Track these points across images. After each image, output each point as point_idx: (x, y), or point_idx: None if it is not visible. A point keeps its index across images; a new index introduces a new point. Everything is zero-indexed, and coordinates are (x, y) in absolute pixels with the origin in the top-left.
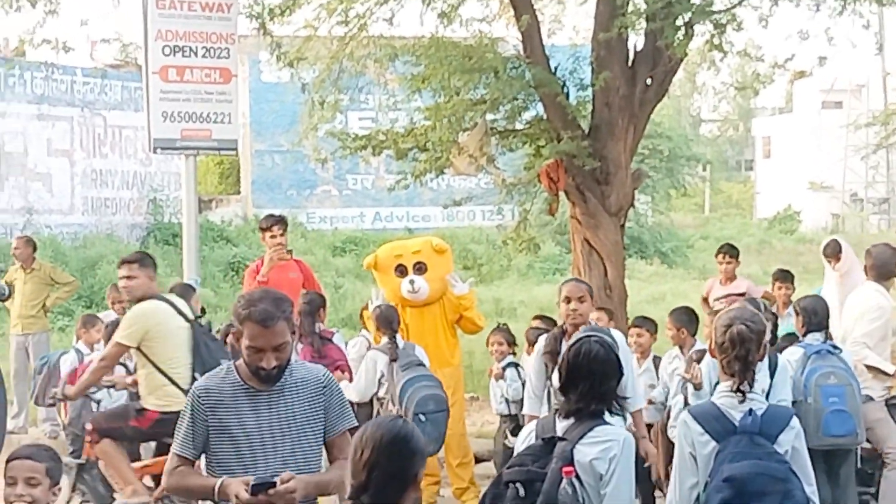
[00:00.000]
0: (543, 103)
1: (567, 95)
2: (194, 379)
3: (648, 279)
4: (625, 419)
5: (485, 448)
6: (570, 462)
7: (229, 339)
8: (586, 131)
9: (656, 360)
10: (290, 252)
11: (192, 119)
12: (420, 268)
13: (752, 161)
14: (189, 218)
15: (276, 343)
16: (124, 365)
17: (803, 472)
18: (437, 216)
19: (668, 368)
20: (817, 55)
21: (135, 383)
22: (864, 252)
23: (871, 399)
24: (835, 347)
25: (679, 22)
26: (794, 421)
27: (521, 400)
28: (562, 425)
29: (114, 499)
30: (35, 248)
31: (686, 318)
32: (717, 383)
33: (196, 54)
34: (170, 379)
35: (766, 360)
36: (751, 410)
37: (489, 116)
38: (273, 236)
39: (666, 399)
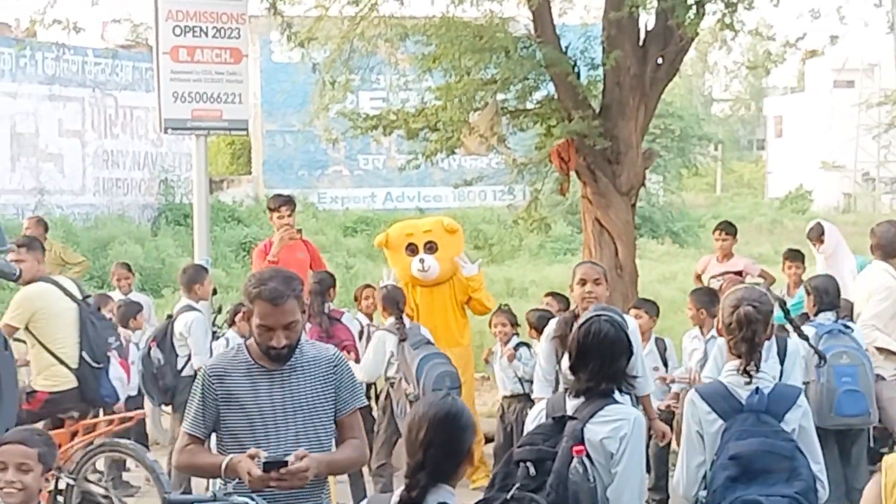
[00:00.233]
0: (554, 83)
1: (578, 75)
2: (82, 358)
3: (660, 259)
4: (633, 400)
5: (494, 428)
6: (581, 441)
7: (237, 318)
8: (597, 111)
9: (659, 343)
10: (299, 232)
11: (202, 99)
12: (431, 247)
13: (764, 140)
14: (200, 198)
15: (286, 322)
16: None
17: (810, 450)
18: (448, 196)
19: (689, 348)
20: (829, 34)
21: (27, 363)
22: (869, 231)
23: (883, 379)
24: (846, 327)
25: (690, 1)
26: (802, 399)
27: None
28: (572, 404)
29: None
30: (46, 229)
31: (706, 299)
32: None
33: (206, 34)
34: (58, 359)
35: (773, 345)
36: (757, 389)
37: (500, 96)
38: (281, 217)
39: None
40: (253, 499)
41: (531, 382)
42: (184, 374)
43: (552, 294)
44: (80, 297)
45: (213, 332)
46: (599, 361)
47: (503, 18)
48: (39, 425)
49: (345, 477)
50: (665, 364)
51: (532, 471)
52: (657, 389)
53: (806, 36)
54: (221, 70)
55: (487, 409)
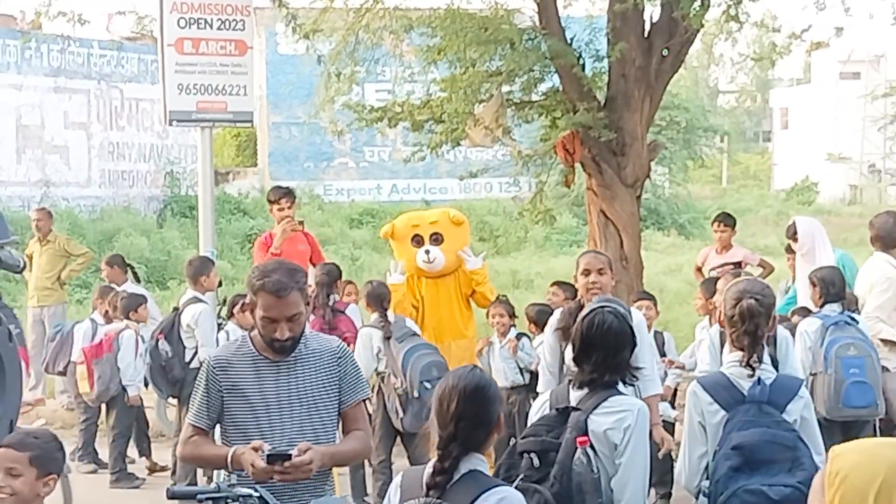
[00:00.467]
0: (559, 75)
1: (583, 67)
2: None
3: (665, 251)
4: (637, 393)
5: None
6: (585, 432)
7: (235, 309)
8: (602, 103)
9: (657, 337)
10: (301, 223)
11: (207, 91)
12: (436, 238)
13: (770, 132)
14: (205, 190)
15: (289, 314)
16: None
17: (812, 441)
18: (453, 188)
19: (697, 338)
20: (834, 26)
21: None
22: (868, 223)
23: (888, 370)
24: (852, 318)
25: None
26: (803, 390)
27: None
28: (575, 395)
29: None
30: (51, 221)
31: (715, 290)
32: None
33: (211, 26)
34: None
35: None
36: (759, 380)
37: (505, 88)
38: (281, 209)
39: (695, 368)
40: (257, 490)
41: (532, 373)
42: (192, 366)
43: (558, 283)
44: None
45: (219, 324)
46: (603, 353)
47: (508, 10)
48: None
49: (345, 469)
50: (663, 357)
51: (536, 462)
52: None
53: (811, 27)
54: (226, 62)
55: None
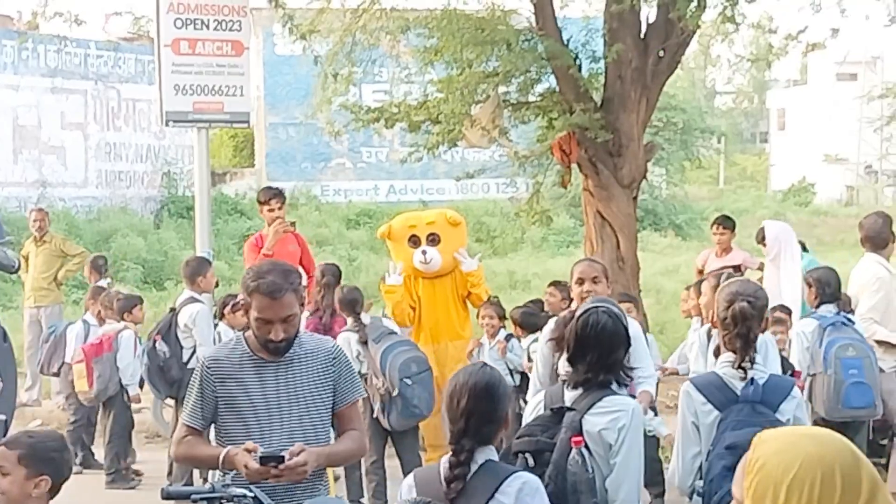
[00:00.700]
0: (556, 76)
1: (579, 68)
2: None
3: (662, 251)
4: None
5: None
6: (579, 432)
7: (226, 310)
8: (599, 104)
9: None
10: (292, 225)
11: (204, 92)
12: (433, 239)
13: (767, 133)
14: (201, 191)
15: (284, 315)
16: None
17: None
18: (451, 189)
19: (690, 339)
20: (830, 27)
21: None
22: (858, 225)
23: (882, 371)
24: (849, 319)
25: None
26: (796, 391)
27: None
28: (570, 395)
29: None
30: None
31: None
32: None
33: (208, 27)
34: None
35: None
36: (752, 380)
37: (502, 89)
38: (272, 210)
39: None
40: (251, 490)
41: (522, 374)
42: (189, 366)
43: (555, 283)
44: None
45: (215, 325)
46: (597, 353)
47: (505, 11)
48: None
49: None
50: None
51: (531, 462)
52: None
53: (808, 29)
54: (223, 63)
55: None
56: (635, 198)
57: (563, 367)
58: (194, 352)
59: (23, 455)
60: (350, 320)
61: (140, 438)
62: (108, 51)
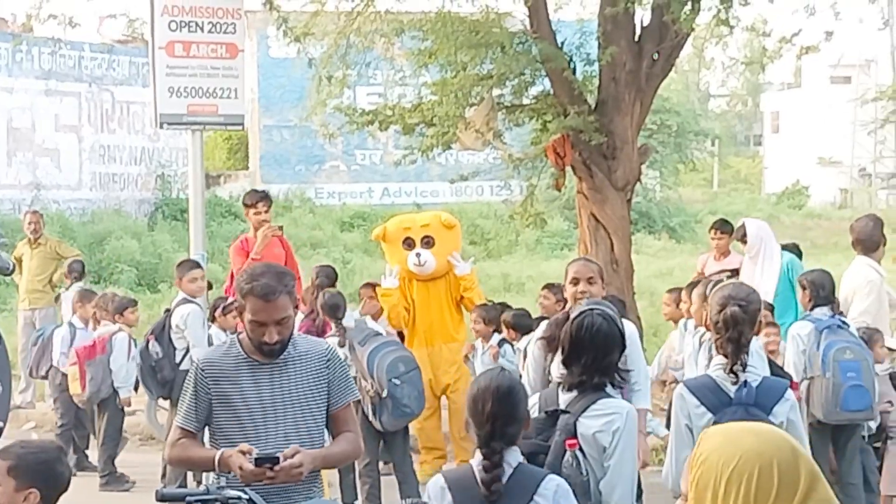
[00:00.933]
0: (550, 78)
1: (574, 70)
2: None
3: (656, 254)
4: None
5: None
6: (574, 435)
7: (217, 313)
8: (593, 106)
9: None
10: (280, 228)
11: (198, 94)
12: (428, 241)
13: (761, 136)
14: (196, 193)
15: (278, 317)
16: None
17: (799, 442)
18: (445, 191)
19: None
20: (824, 30)
21: None
22: (849, 228)
23: (876, 374)
24: (844, 322)
25: None
26: (789, 393)
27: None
28: (564, 398)
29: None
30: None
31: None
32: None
33: (202, 29)
34: None
35: None
36: (745, 382)
37: (496, 91)
38: (258, 213)
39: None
40: (246, 492)
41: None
42: (182, 366)
43: (549, 286)
44: None
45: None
46: (592, 355)
47: (499, 14)
48: None
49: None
50: None
51: None
52: None
53: (801, 32)
54: (217, 65)
55: None
56: (629, 200)
57: (556, 368)
58: (187, 352)
59: (12, 466)
60: (332, 325)
61: (134, 441)
62: (102, 53)
